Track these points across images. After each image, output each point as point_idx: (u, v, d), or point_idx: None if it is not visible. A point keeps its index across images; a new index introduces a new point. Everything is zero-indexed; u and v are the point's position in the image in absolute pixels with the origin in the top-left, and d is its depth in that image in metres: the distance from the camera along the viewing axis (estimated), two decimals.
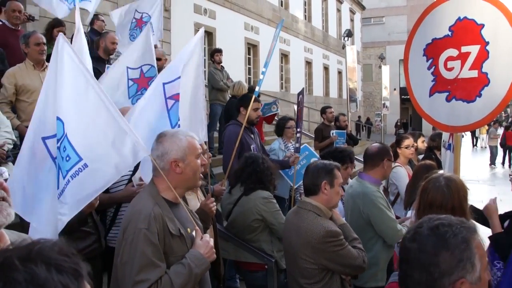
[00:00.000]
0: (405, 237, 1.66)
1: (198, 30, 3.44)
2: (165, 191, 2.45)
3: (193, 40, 3.32)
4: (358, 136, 19.49)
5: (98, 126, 2.53)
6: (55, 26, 6.41)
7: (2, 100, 4.96)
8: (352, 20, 33.57)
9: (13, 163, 4.55)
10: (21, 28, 6.29)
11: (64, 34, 6.54)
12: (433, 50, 3.67)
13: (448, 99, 3.61)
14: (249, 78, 19.07)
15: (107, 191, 3.02)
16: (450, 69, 3.57)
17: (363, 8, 36.03)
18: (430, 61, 3.69)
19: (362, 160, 4.12)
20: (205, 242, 2.44)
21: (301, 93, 6.35)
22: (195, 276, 2.34)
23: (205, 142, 3.50)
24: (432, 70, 3.68)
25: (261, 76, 5.53)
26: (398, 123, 37.47)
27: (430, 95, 3.73)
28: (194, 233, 2.50)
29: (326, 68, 28.86)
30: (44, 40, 5.19)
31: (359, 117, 34.19)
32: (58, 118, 2.49)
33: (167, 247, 2.32)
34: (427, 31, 3.74)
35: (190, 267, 2.32)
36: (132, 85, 4.17)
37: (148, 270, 2.22)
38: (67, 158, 2.47)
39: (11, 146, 4.53)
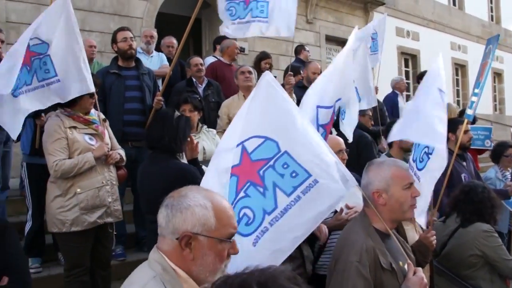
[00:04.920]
0: None
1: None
2: (376, 222, 2.42)
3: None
4: None
5: (317, 146, 2.41)
6: (262, 59, 6.98)
7: (218, 130, 5.37)
8: None
9: None
10: (233, 64, 6.98)
11: (271, 65, 7.14)
12: None
13: None
14: (458, 101, 17.85)
15: None
16: None
17: None
18: None
19: None
20: (419, 279, 2.29)
21: None
22: None
23: None
24: None
25: (473, 98, 5.09)
26: None
27: None
28: (406, 266, 2.38)
29: None
30: (249, 69, 5.67)
31: None
32: (266, 138, 2.38)
33: (378, 281, 2.26)
34: None
35: None
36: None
37: None
38: (293, 174, 2.34)
39: None
